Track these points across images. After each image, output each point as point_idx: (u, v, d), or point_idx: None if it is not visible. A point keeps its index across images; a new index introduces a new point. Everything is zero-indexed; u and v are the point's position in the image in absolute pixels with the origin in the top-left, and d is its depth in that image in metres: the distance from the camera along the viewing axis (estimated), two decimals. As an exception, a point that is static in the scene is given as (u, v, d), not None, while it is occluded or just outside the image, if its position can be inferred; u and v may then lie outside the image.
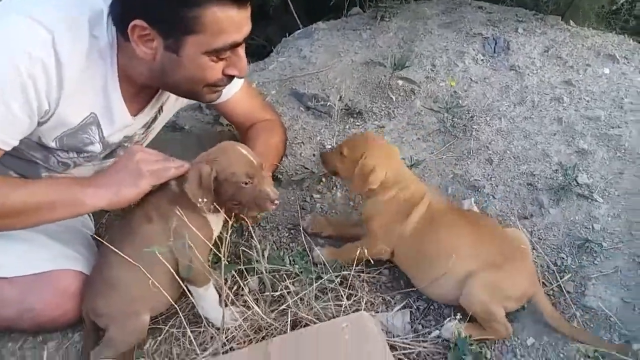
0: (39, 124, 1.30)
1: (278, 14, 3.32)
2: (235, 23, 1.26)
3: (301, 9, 3.06)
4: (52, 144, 1.37)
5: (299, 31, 2.74)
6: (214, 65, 1.32)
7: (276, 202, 1.37)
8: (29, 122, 1.27)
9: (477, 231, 1.44)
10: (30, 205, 1.31)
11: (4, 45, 1.20)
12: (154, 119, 1.59)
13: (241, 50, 1.35)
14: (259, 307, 1.40)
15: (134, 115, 1.47)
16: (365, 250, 1.45)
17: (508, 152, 1.91)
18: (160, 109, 1.59)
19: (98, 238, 1.48)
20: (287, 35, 2.75)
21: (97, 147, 1.44)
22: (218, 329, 1.37)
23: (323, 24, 2.71)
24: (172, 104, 1.64)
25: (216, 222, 1.42)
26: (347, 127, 2.10)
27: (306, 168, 1.93)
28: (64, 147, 1.40)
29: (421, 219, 1.48)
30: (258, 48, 3.54)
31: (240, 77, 1.41)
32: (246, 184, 1.33)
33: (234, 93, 1.74)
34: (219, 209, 1.33)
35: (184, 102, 1.69)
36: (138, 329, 1.35)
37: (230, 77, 1.39)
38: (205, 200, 1.29)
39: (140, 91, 1.44)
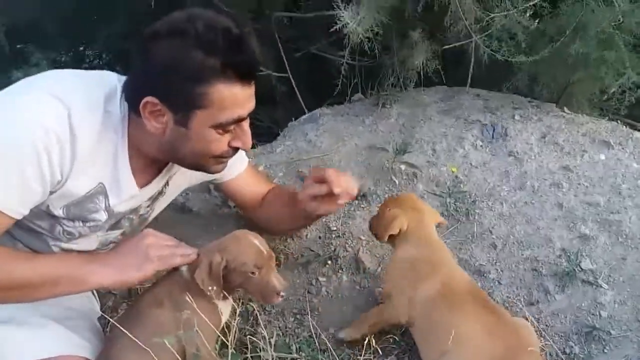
0: (50, 193, 1.34)
1: (284, 98, 3.47)
2: (240, 99, 1.34)
3: (306, 93, 3.20)
4: (59, 212, 1.40)
5: (304, 116, 2.85)
6: (220, 138, 1.39)
7: (282, 294, 1.39)
8: (42, 193, 1.31)
9: (491, 322, 1.41)
10: (34, 280, 1.34)
11: (22, 118, 1.26)
12: (160, 192, 1.63)
13: (245, 125, 1.42)
14: (265, 397, 1.38)
15: (141, 187, 1.50)
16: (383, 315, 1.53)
17: (511, 236, 1.94)
18: (167, 184, 1.63)
19: (107, 317, 1.48)
20: (294, 119, 2.86)
21: (102, 216, 1.46)
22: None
23: (327, 109, 2.82)
24: (180, 179, 1.68)
25: (225, 308, 1.43)
26: (352, 209, 2.14)
27: (312, 250, 1.95)
28: (69, 216, 1.42)
29: (437, 290, 1.47)
30: (265, 129, 3.68)
31: (245, 149, 1.48)
32: (253, 273, 1.35)
33: (238, 173, 1.81)
34: (228, 296, 1.35)
35: (192, 179, 1.73)
36: None
37: (235, 150, 1.45)
38: (214, 288, 1.31)
39: (149, 164, 1.49)
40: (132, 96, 1.35)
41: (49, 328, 1.44)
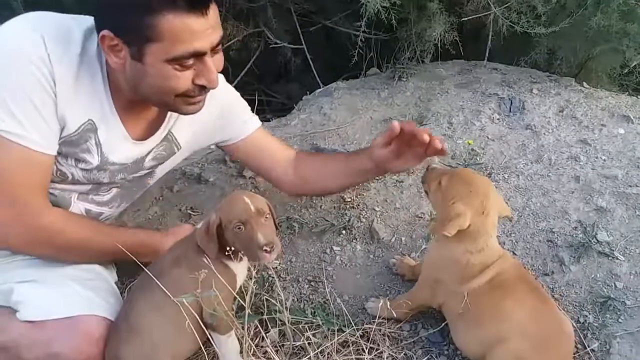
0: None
1: (299, 73, 3.47)
2: (195, 31, 1.27)
3: (321, 67, 3.19)
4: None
5: (319, 90, 2.85)
6: (179, 74, 1.32)
7: (267, 249, 1.31)
8: (57, 121, 1.34)
9: (535, 302, 1.39)
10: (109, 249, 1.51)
11: (8, 57, 1.29)
12: (164, 150, 1.62)
13: (209, 60, 1.34)
14: (279, 358, 1.40)
15: (137, 139, 1.51)
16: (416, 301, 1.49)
17: (527, 209, 1.93)
18: (168, 140, 1.60)
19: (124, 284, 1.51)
20: (308, 93, 2.86)
21: (95, 159, 1.45)
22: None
23: (343, 83, 2.82)
24: (186, 138, 1.65)
25: (240, 271, 1.45)
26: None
27: (326, 220, 1.96)
28: (63, 152, 1.41)
29: (484, 283, 1.40)
30: (279, 105, 3.68)
31: (211, 88, 1.40)
32: (240, 229, 1.33)
33: (248, 134, 1.76)
34: (229, 254, 1.35)
35: (199, 140, 1.70)
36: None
37: (202, 88, 1.39)
38: (211, 245, 1.34)
39: (132, 106, 1.46)
40: (97, 31, 1.32)
41: (71, 288, 1.47)
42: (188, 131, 1.65)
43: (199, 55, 1.32)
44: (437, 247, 1.51)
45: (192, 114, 1.48)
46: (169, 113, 1.56)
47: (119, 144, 1.48)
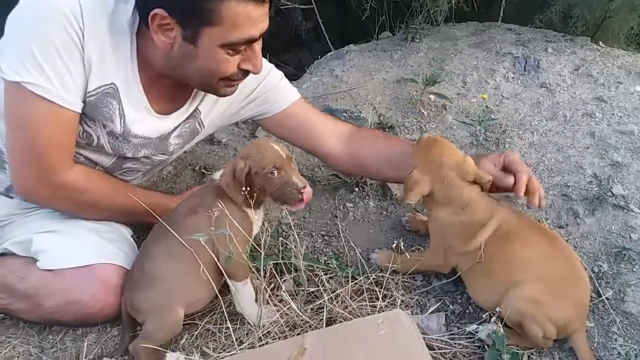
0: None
1: (310, 40, 3.44)
2: (252, 18, 1.29)
3: (332, 34, 3.16)
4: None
5: (330, 53, 2.83)
6: (229, 59, 1.34)
7: (304, 191, 1.34)
8: (83, 73, 1.33)
9: (548, 248, 1.39)
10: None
11: (41, 10, 1.27)
12: (190, 125, 1.60)
13: (257, 46, 1.37)
14: (295, 305, 1.42)
15: (160, 114, 1.50)
16: (424, 263, 1.49)
17: (542, 164, 1.91)
18: (195, 117, 1.59)
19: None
20: (319, 57, 2.84)
21: (117, 126, 1.44)
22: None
23: (354, 46, 2.79)
24: (212, 114, 1.64)
25: (257, 219, 1.46)
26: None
27: (339, 177, 1.96)
28: (88, 112, 1.40)
29: (488, 239, 1.41)
30: (290, 76, 3.66)
31: (255, 73, 1.41)
32: (273, 174, 1.35)
33: (286, 106, 1.69)
34: (255, 204, 1.37)
35: (227, 114, 1.68)
36: (175, 322, 1.38)
37: (245, 72, 1.41)
38: (246, 190, 1.34)
39: (157, 81, 1.45)
40: (143, 6, 1.31)
41: (88, 238, 1.50)
42: (215, 108, 1.64)
43: (250, 42, 1.34)
44: (430, 216, 1.52)
45: (228, 96, 1.50)
46: (196, 91, 1.55)
47: (140, 116, 1.47)
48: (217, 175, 1.44)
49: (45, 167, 1.38)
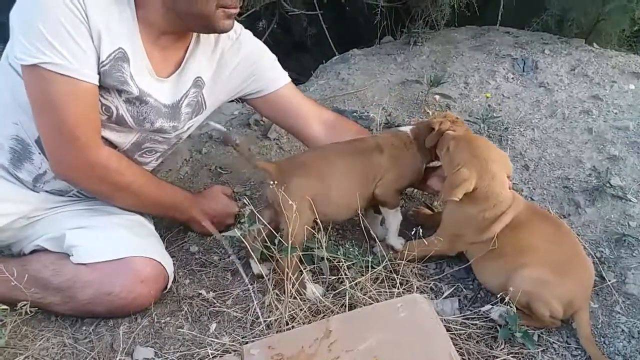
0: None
1: (313, 46, 3.53)
2: None
3: (335, 39, 3.25)
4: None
5: (335, 57, 2.92)
6: None
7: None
8: (94, 50, 1.39)
9: (552, 232, 1.48)
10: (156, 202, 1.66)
11: None
12: (198, 106, 1.68)
13: None
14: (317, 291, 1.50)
15: (161, 76, 1.55)
16: (432, 247, 1.57)
17: (543, 159, 2.02)
18: (196, 88, 1.64)
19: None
20: (324, 61, 2.93)
21: (133, 87, 1.48)
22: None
23: (358, 51, 2.89)
24: (215, 87, 1.70)
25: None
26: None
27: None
28: (103, 84, 1.45)
29: (501, 229, 1.49)
30: (292, 81, 3.74)
31: None
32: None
33: (278, 87, 1.78)
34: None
35: (229, 85, 1.74)
36: (308, 224, 1.54)
37: None
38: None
39: (158, 41, 1.51)
40: None
41: (119, 233, 1.58)
42: (216, 76, 1.69)
43: None
44: (454, 208, 1.57)
45: (226, 31, 1.54)
46: (190, 50, 1.60)
47: (144, 78, 1.52)
48: (408, 129, 1.68)
49: (79, 145, 1.44)
